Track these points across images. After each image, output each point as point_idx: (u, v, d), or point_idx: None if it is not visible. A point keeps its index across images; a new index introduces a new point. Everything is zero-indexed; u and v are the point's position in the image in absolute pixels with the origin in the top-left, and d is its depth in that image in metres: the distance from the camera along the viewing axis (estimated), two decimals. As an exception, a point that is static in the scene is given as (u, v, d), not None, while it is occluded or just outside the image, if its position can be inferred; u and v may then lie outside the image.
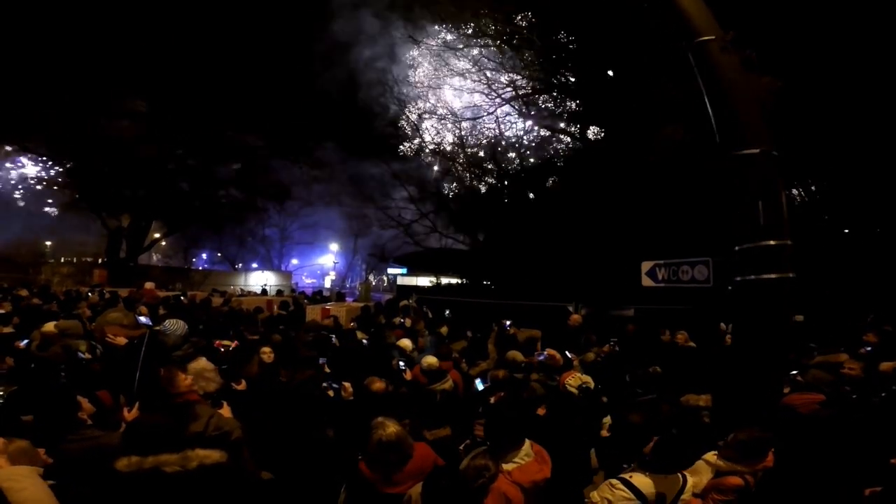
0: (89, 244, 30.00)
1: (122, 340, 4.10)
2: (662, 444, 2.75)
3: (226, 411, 3.30)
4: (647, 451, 2.80)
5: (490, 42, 19.70)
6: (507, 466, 2.66)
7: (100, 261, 27.80)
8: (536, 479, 2.70)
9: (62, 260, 31.56)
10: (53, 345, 4.51)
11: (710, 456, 2.99)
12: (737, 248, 3.89)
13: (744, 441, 2.86)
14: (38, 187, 24.65)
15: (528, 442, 2.81)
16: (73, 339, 4.51)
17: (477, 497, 2.39)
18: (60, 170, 23.62)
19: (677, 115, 11.95)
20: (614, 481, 2.66)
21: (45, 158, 23.47)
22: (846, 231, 13.12)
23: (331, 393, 4.01)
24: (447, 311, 11.26)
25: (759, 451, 2.85)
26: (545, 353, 5.46)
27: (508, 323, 8.09)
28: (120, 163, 21.38)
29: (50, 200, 25.48)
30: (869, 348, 5.89)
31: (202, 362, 3.60)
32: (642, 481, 2.62)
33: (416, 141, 23.72)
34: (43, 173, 24.16)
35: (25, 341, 5.26)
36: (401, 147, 24.04)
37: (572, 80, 19.69)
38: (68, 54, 19.04)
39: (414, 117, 23.21)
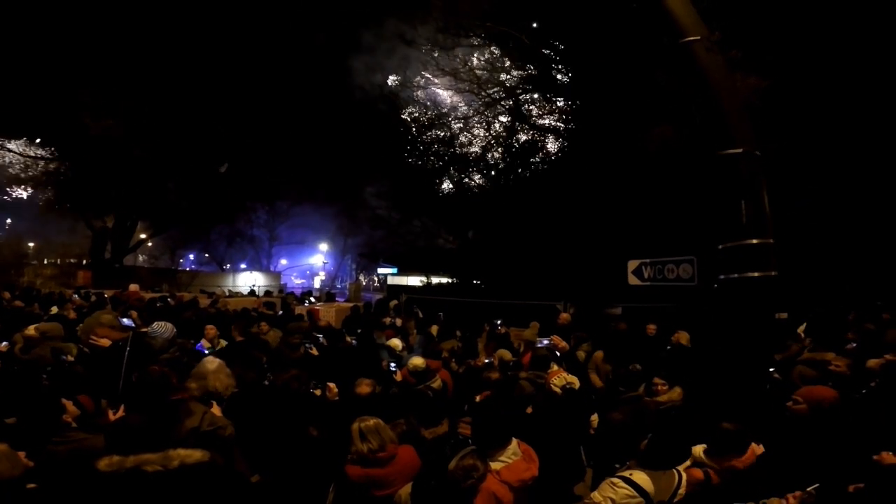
0: (73, 245, 29.49)
1: (105, 342, 4.06)
2: (656, 440, 2.79)
3: (216, 410, 3.28)
4: (643, 448, 2.83)
5: (479, 41, 19.73)
6: (494, 465, 2.67)
7: (84, 262, 27.38)
8: (524, 478, 2.71)
9: (45, 261, 31.02)
10: (35, 348, 4.44)
11: (697, 449, 3.04)
12: (720, 246, 3.94)
13: (720, 436, 2.92)
14: (21, 187, 24.19)
15: (514, 441, 2.83)
16: (54, 341, 4.44)
17: (466, 497, 2.40)
18: (43, 169, 23.17)
19: (666, 115, 12.07)
20: (615, 480, 2.68)
21: (28, 157, 23.03)
22: (831, 228, 13.30)
23: (318, 392, 3.99)
24: (441, 314, 11.25)
25: (734, 446, 2.90)
26: (550, 339, 5.46)
27: (499, 322, 8.15)
28: (104, 162, 21.03)
29: (31, 199, 25.00)
30: (854, 345, 5.99)
31: (217, 361, 3.59)
32: (643, 478, 2.65)
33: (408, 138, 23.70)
34: (28, 170, 23.68)
35: (4, 343, 5.17)
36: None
37: (561, 78, 19.79)
38: (53, 51, 18.70)
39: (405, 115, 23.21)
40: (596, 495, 2.69)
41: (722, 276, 3.90)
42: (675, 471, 2.76)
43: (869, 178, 12.01)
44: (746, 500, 2.65)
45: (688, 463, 2.98)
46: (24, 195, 24.79)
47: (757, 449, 3.07)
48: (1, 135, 21.11)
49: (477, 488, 2.44)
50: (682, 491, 2.72)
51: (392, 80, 22.38)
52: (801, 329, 6.93)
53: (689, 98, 4.21)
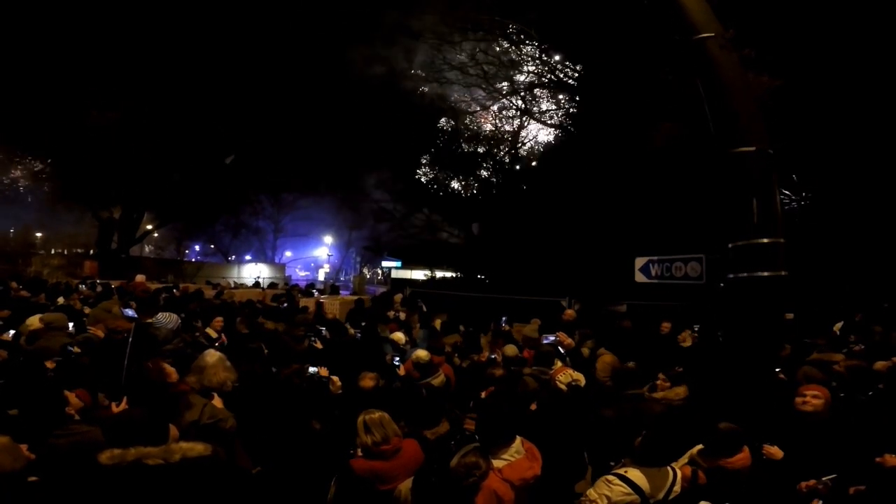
0: (80, 235, 29.60)
1: (100, 333, 4.08)
2: (650, 438, 2.76)
3: (218, 402, 3.27)
4: (637, 446, 2.81)
5: (485, 35, 19.58)
6: (497, 463, 2.63)
7: (91, 252, 27.51)
8: (527, 477, 2.68)
9: (52, 251, 31.17)
10: (40, 339, 4.45)
11: (696, 449, 3.04)
12: (730, 245, 3.89)
13: (714, 436, 2.91)
14: (27, 180, 24.29)
15: (518, 438, 2.80)
16: (58, 332, 4.45)
17: (468, 495, 2.37)
18: (50, 161, 23.23)
19: (674, 111, 11.95)
20: (610, 477, 2.66)
21: (33, 151, 23.08)
22: (837, 229, 13.17)
23: (323, 372, 3.99)
24: (445, 316, 11.20)
25: (726, 447, 2.88)
26: (556, 335, 5.43)
27: (504, 319, 8.15)
28: (109, 155, 21.05)
29: (38, 190, 25.10)
30: (861, 346, 5.95)
31: (217, 354, 3.55)
32: (637, 476, 2.64)
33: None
34: (33, 163, 23.78)
35: (12, 332, 5.18)
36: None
37: (570, 75, 19.65)
38: (57, 47, 18.71)
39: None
40: (591, 493, 2.68)
41: (731, 275, 3.85)
42: (669, 468, 2.76)
43: (872, 179, 11.90)
44: (739, 500, 2.64)
45: (685, 460, 2.97)
46: (31, 188, 24.88)
47: (777, 452, 3.04)
48: (4, 128, 21.10)
49: (478, 486, 2.42)
50: (676, 488, 2.71)
51: (398, 73, 22.26)
52: (836, 327, 6.91)
53: (701, 95, 4.14)
